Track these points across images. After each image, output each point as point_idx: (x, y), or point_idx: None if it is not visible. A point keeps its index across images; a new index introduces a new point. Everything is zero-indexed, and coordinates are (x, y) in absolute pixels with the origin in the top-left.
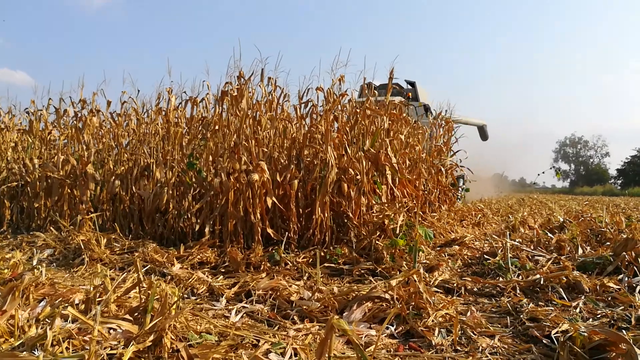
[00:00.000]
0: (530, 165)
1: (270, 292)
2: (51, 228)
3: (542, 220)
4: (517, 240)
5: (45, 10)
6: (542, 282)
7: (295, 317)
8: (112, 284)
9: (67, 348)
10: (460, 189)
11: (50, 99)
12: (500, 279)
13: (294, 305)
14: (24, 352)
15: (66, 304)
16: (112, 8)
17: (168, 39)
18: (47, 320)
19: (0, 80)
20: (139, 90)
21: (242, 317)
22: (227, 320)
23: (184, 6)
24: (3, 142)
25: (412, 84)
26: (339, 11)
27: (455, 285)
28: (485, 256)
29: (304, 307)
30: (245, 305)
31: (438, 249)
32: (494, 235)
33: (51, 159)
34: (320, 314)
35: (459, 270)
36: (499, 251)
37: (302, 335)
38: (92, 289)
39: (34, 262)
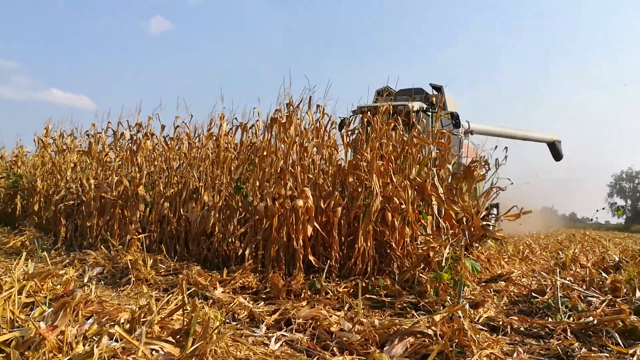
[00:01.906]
0: (582, 199)
1: (310, 321)
2: (102, 247)
3: (596, 259)
4: (567, 278)
5: (106, 35)
6: (595, 326)
7: (335, 349)
8: (156, 305)
9: None
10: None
11: (109, 122)
12: (550, 320)
13: (334, 336)
14: None
15: (113, 323)
16: (169, 33)
17: (221, 65)
18: (94, 337)
19: (65, 104)
20: (192, 115)
21: (281, 345)
22: (266, 347)
23: (235, 37)
24: (64, 163)
25: (439, 88)
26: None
27: (501, 323)
28: (533, 294)
29: (344, 338)
30: (285, 333)
31: (483, 284)
32: (542, 273)
33: (106, 179)
34: (361, 347)
35: (505, 307)
36: (548, 289)
37: None
38: (137, 309)
39: (85, 280)
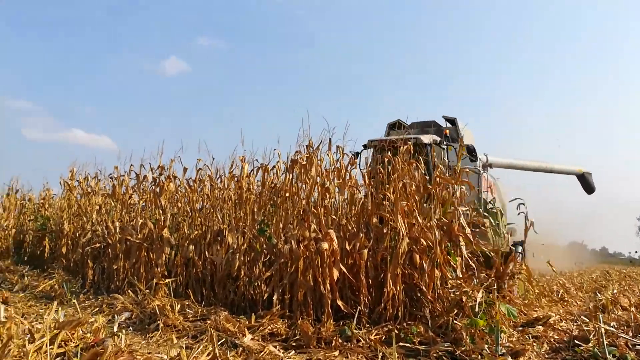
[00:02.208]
0: (612, 234)
1: None
2: (129, 291)
3: (637, 300)
4: (612, 324)
5: (124, 76)
6: None
7: None
8: (187, 355)
9: None
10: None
11: (131, 165)
12: None
13: None
14: None
15: None
16: (185, 75)
17: (238, 106)
18: None
19: (88, 145)
20: (213, 158)
21: None
22: None
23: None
24: (89, 205)
25: (452, 121)
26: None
27: None
28: (576, 341)
29: None
30: None
31: (520, 328)
32: (583, 317)
33: (130, 221)
34: None
35: (546, 356)
36: (592, 336)
37: None
38: (171, 357)
39: (115, 328)
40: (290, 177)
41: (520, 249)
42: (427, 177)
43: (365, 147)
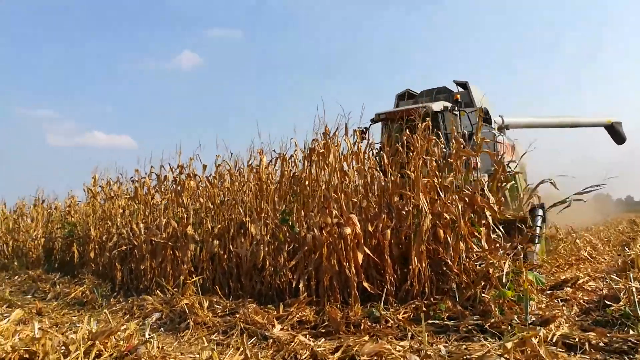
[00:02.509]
0: (637, 180)
1: (375, 357)
2: (157, 291)
3: None
4: None
5: (138, 74)
6: None
7: None
8: (218, 357)
9: None
10: (538, 226)
11: (152, 166)
12: (631, 332)
13: None
14: None
15: None
16: (198, 68)
17: (252, 97)
18: None
19: (109, 144)
20: (232, 153)
21: None
22: None
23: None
24: (113, 209)
25: (464, 85)
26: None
27: (577, 340)
28: (606, 301)
29: None
30: None
31: (548, 292)
32: (612, 275)
33: (154, 221)
34: None
35: (577, 319)
36: (622, 294)
37: None
38: None
39: (146, 334)
40: (309, 165)
41: (540, 211)
42: (443, 147)
43: (373, 121)
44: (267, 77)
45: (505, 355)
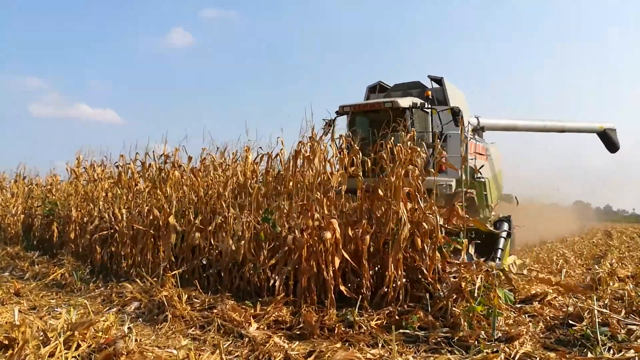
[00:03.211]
0: (619, 191)
1: None
2: (137, 279)
3: (635, 269)
4: (606, 301)
5: (128, 49)
6: None
7: None
8: (195, 356)
9: None
10: (502, 237)
11: (137, 152)
12: (589, 354)
13: None
14: None
15: None
16: (191, 47)
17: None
18: None
19: (93, 118)
20: (217, 147)
21: None
22: None
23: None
24: (96, 191)
25: (439, 80)
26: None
27: (539, 359)
28: (570, 321)
29: None
30: None
31: (518, 306)
32: (579, 295)
33: (136, 207)
34: None
35: (542, 336)
36: (586, 314)
37: None
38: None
39: (125, 326)
40: (294, 166)
41: (505, 225)
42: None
43: (338, 113)
44: (263, 59)
45: None
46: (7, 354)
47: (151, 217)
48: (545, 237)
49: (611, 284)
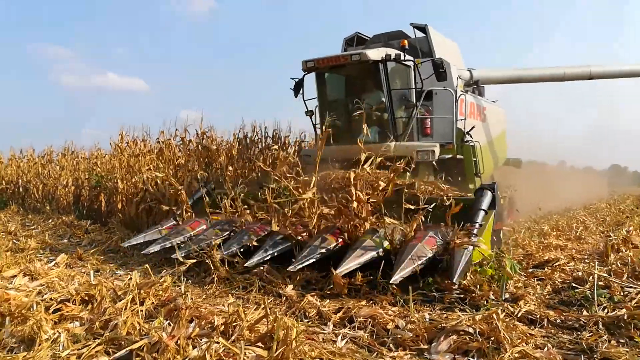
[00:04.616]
0: None
1: (369, 319)
2: None
3: None
4: (612, 266)
5: (151, 17)
6: (625, 318)
7: (391, 345)
8: (243, 312)
9: None
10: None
11: (176, 129)
12: (585, 312)
13: (390, 333)
14: None
15: (210, 327)
16: (215, 11)
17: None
18: (197, 338)
19: (121, 87)
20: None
21: (346, 342)
22: (334, 345)
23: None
24: (139, 164)
25: (423, 28)
26: None
27: (538, 316)
28: (574, 284)
29: (398, 335)
30: (349, 331)
31: (531, 270)
32: (587, 260)
33: (177, 177)
34: (413, 343)
35: (547, 297)
36: (590, 278)
37: None
38: (229, 313)
39: (182, 287)
40: None
41: (488, 195)
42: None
43: (304, 71)
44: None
45: (473, 326)
46: (87, 308)
47: (192, 190)
48: (572, 204)
49: (624, 250)
